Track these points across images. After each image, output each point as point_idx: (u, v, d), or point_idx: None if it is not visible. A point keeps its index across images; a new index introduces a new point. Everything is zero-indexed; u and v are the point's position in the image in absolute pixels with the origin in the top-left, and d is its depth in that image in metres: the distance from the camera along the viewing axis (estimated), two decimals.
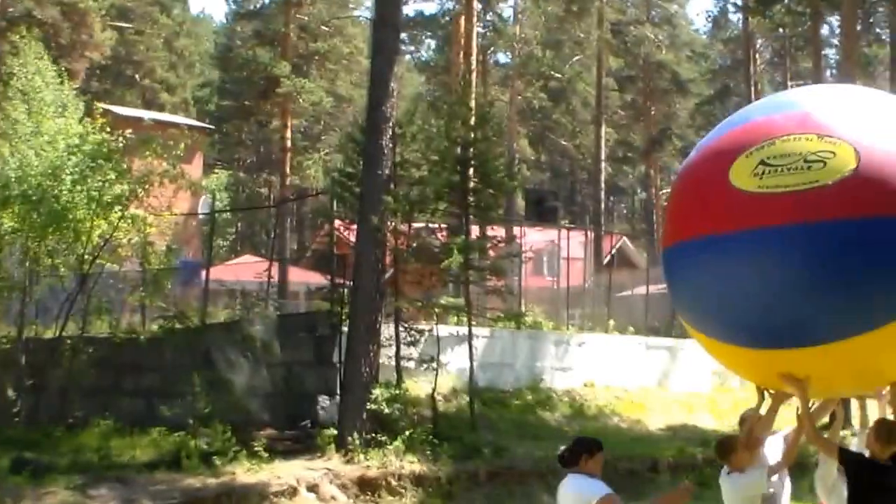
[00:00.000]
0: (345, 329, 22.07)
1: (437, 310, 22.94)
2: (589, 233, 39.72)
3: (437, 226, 24.09)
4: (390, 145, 22.05)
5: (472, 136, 23.28)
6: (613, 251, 48.20)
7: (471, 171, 23.33)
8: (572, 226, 40.01)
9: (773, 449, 8.93)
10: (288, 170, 45.03)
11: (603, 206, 49.96)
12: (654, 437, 25.06)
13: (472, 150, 23.25)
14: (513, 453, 22.14)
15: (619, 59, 54.54)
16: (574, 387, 26.79)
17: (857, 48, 29.81)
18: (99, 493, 18.00)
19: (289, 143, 45.50)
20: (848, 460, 8.08)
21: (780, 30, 43.36)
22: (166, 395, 22.61)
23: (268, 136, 54.56)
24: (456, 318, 24.45)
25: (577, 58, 49.90)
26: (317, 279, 41.78)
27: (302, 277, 40.15)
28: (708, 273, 7.30)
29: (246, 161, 65.91)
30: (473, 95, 25.01)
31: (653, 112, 61.96)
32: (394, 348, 22.52)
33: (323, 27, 48.75)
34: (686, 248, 7.48)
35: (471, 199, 23.24)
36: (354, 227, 23.00)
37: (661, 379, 28.78)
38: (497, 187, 23.59)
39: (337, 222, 25.00)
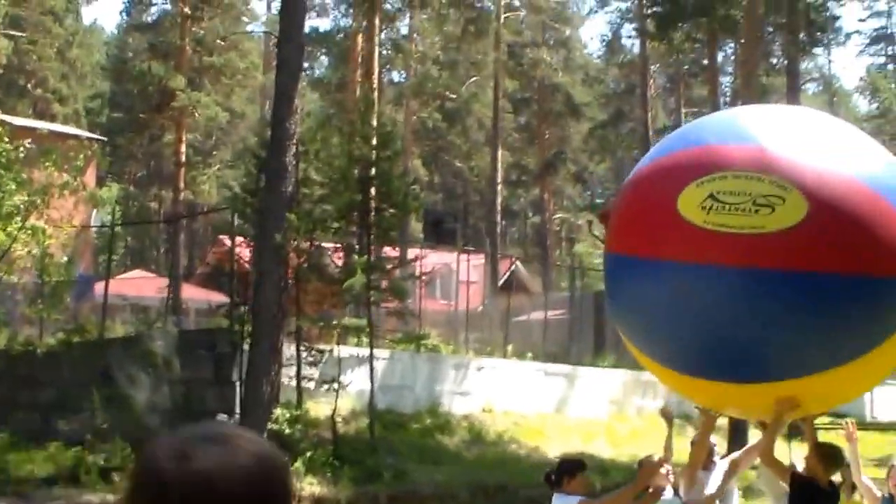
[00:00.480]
0: (245, 347, 21.71)
1: (338, 330, 22.61)
2: (485, 256, 39.71)
3: (337, 245, 23.81)
4: (293, 162, 21.77)
5: (375, 155, 23.07)
6: (507, 275, 48.26)
7: (372, 190, 23.09)
8: (471, 249, 39.88)
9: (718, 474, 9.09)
10: (182, 184, 44.40)
11: (498, 229, 50.10)
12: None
13: (374, 169, 23.02)
14: (413, 478, 21.91)
15: (514, 81, 54.73)
16: (473, 411, 26.61)
17: (755, 76, 30.20)
18: None
19: (183, 158, 44.87)
20: (799, 483, 8.18)
21: (677, 56, 43.74)
22: (63, 409, 22.08)
23: (159, 150, 53.74)
24: (356, 339, 24.17)
25: (473, 79, 49.95)
26: (210, 296, 41.38)
27: (194, 294, 39.56)
28: (644, 294, 7.35)
29: (136, 175, 64.93)
30: (375, 114, 24.73)
31: (546, 135, 62.32)
32: (294, 368, 22.14)
33: (219, 41, 48.21)
34: (629, 262, 7.48)
35: (372, 218, 22.99)
36: (252, 244, 22.70)
37: (559, 405, 28.73)
38: (398, 207, 23.38)
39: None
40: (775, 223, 6.62)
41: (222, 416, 21.94)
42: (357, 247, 23.00)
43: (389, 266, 23.26)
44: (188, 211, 47.00)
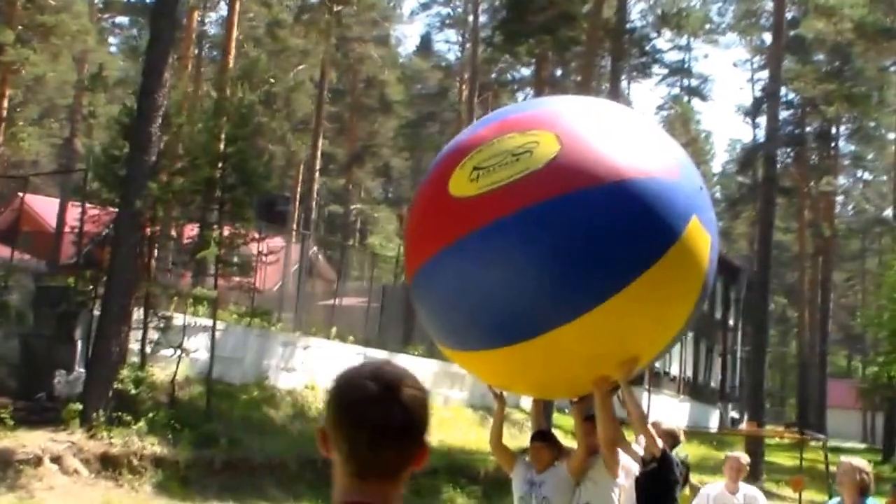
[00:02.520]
0: (89, 308, 22.41)
1: (189, 300, 23.43)
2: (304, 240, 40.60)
3: (189, 218, 24.59)
4: (159, 133, 22.49)
5: (234, 133, 23.96)
6: (314, 259, 49.19)
7: (228, 168, 23.95)
8: (306, 231, 40.74)
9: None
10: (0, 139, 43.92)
11: (315, 215, 51.05)
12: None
13: (231, 147, 23.91)
14: (246, 445, 22.92)
15: (335, 73, 55.72)
16: (297, 387, 27.70)
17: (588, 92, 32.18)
18: None
19: (4, 113, 44.36)
20: (667, 456, 8.50)
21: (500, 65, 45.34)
22: None
23: None
24: (193, 308, 24.86)
25: (300, 67, 50.71)
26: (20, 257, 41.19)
27: None
28: (444, 287, 7.23)
29: None
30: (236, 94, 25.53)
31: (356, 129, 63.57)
32: (138, 332, 22.87)
33: (50, 1, 47.75)
34: (423, 271, 7.36)
35: (225, 195, 23.86)
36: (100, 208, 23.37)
37: None
38: (252, 186, 24.32)
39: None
40: (536, 161, 6.77)
41: (60, 372, 22.63)
42: (209, 222, 23.81)
43: (240, 242, 24.10)
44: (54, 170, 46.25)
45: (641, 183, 6.68)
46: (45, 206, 51.35)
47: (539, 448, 8.47)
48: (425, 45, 74.90)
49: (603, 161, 6.73)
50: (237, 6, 36.81)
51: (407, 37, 71.48)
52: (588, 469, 8.40)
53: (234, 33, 37.20)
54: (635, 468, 8.46)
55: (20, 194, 53.55)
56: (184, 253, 24.68)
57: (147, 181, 22.07)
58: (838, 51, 52.62)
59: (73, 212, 50.57)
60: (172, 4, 23.42)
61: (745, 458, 11.86)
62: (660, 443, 8.37)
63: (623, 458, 8.40)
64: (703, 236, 6.95)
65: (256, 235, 24.93)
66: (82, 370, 22.65)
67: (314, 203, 50.39)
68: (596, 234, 6.57)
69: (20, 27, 44.53)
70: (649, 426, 8.35)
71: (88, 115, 55.18)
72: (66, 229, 47.71)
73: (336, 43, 51.69)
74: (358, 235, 76.14)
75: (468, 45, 68.80)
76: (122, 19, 65.39)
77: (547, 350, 6.83)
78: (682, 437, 9.66)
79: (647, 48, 40.14)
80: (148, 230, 22.96)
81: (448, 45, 78.25)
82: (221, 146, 24.12)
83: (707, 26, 52.78)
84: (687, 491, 17.79)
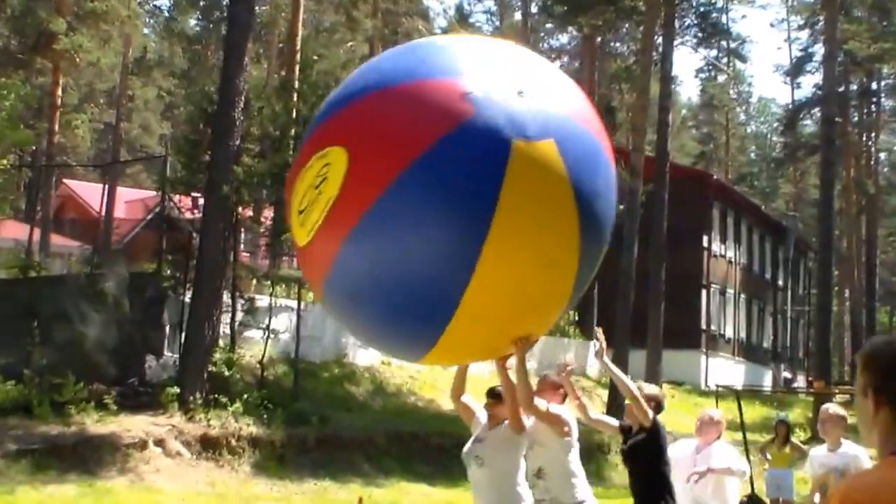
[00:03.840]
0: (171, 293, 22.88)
1: (280, 283, 23.83)
2: None
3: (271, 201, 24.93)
4: (241, 118, 22.80)
5: (311, 114, 24.20)
6: None
7: None
8: None
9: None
10: (56, 128, 44.35)
11: None
12: (451, 417, 26.60)
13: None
14: (335, 423, 23.32)
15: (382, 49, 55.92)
16: (374, 363, 28.07)
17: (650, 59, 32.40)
18: None
19: (59, 101, 44.80)
20: (656, 426, 8.58)
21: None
22: None
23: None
24: (275, 289, 25.20)
25: (350, 43, 50.97)
26: (61, 241, 41.93)
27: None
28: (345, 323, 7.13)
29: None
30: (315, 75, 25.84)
31: None
32: (226, 315, 23.26)
33: None
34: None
35: None
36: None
37: None
38: None
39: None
40: (333, 187, 6.21)
41: (150, 357, 23.07)
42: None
43: None
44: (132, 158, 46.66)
45: (440, 147, 6.00)
46: (88, 192, 51.96)
47: (490, 405, 8.23)
48: (462, 17, 74.91)
49: (390, 152, 6.07)
50: None
51: (445, 8, 70.99)
52: (534, 433, 8.28)
53: (301, 14, 37.38)
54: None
55: (64, 181, 54.41)
56: (266, 235, 24.98)
57: (232, 165, 22.39)
58: (878, 7, 52.51)
59: (123, 197, 51.18)
60: None
61: (717, 414, 10.90)
62: (650, 413, 8.38)
63: (565, 413, 8.55)
64: (540, 148, 6.14)
65: None
66: (171, 354, 23.09)
67: None
68: (423, 221, 6.02)
69: (70, 15, 44.88)
70: (637, 394, 8.39)
71: (129, 98, 55.69)
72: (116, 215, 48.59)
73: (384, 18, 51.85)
74: None
75: (509, 15, 69.32)
76: (160, 1, 65.68)
77: (465, 321, 6.28)
78: (664, 403, 9.20)
79: (701, 12, 40.15)
80: (241, 213, 23.34)
81: (487, 15, 77.52)
82: (298, 128, 24.32)
83: None
84: (787, 450, 18.12)
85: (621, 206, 35.41)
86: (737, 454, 10.89)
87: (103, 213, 44.46)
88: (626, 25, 41.28)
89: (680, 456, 10.11)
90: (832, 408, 11.03)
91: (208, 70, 56.51)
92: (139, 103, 68.68)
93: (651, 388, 9.32)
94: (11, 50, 46.70)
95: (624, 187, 34.79)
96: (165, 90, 67.64)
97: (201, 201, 23.78)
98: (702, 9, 40.61)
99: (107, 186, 28.94)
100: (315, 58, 28.06)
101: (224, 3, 51.22)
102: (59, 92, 44.81)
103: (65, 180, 55.46)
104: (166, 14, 61.45)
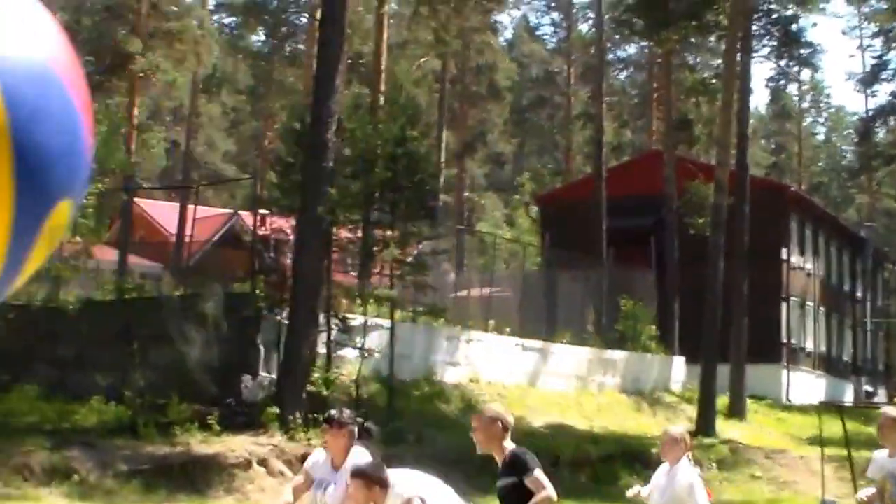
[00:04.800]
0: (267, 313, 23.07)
1: (370, 301, 23.94)
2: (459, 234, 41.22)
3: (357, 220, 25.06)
4: (334, 139, 22.96)
5: (404, 134, 24.37)
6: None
7: (400, 169, 24.37)
8: (461, 227, 41.16)
9: None
10: (133, 147, 44.86)
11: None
12: (541, 434, 26.62)
13: (401, 149, 24.32)
14: (430, 441, 23.37)
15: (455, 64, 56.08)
16: (462, 381, 28.12)
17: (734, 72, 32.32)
18: (73, 454, 18.50)
19: (136, 122, 45.34)
20: None
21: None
22: (82, 364, 23.13)
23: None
24: (366, 308, 25.32)
25: (423, 59, 51.16)
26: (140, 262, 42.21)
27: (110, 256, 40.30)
28: None
29: None
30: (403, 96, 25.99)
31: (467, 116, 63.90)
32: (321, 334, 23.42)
33: (173, 7, 48.66)
34: None
35: (398, 195, 24.31)
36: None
37: (532, 378, 30.38)
38: (423, 186, 24.75)
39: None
40: None
41: (246, 377, 23.26)
42: (384, 223, 24.29)
43: (414, 241, 24.57)
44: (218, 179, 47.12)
45: None
46: (156, 211, 52.38)
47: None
48: (529, 29, 74.97)
49: None
50: (385, 7, 37.12)
51: (513, 21, 71.24)
52: None
53: (385, 35, 37.56)
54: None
55: (135, 201, 54.81)
56: (359, 254, 25.15)
57: (326, 187, 22.55)
58: None
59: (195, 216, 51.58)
60: (341, 10, 23.73)
61: (677, 431, 10.38)
62: None
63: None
64: None
65: (428, 234, 25.35)
66: (266, 374, 23.27)
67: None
68: None
69: (145, 35, 45.36)
70: None
71: (193, 115, 56.12)
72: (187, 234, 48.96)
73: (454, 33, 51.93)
74: (465, 223, 76.68)
75: (575, 28, 69.18)
76: (228, 19, 65.98)
77: None
78: None
79: (779, 23, 39.97)
80: (336, 234, 23.54)
81: (554, 28, 77.38)
82: (389, 148, 24.45)
83: None
84: None
85: (702, 220, 35.54)
86: (698, 476, 10.25)
87: (178, 232, 44.95)
88: (706, 39, 41.06)
89: (657, 483, 10.00)
90: (891, 411, 10.76)
91: (276, 87, 57.04)
92: (204, 119, 69.29)
93: None
94: (87, 72, 47.30)
95: (707, 202, 34.72)
96: (230, 107, 68.33)
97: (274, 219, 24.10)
98: (780, 21, 40.36)
99: (194, 207, 29.03)
100: (402, 83, 28.13)
101: (288, 17, 51.92)
102: (136, 112, 45.33)
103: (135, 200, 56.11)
104: (233, 31, 62.11)
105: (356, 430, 8.08)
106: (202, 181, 45.26)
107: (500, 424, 8.19)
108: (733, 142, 33.48)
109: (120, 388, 21.87)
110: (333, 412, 8.01)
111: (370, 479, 7.23)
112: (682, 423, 32.37)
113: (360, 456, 8.02)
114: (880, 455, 10.76)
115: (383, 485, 7.24)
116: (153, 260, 41.39)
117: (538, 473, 7.69)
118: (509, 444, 8.00)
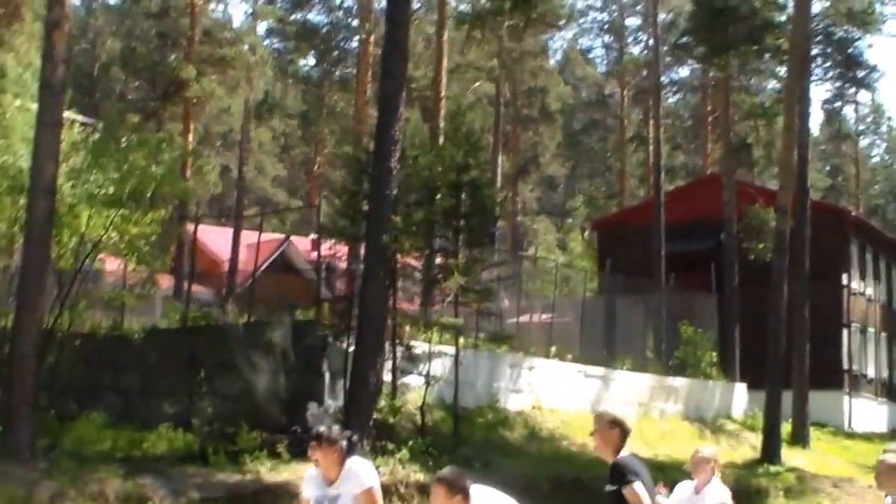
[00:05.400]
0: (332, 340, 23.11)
1: (434, 328, 23.88)
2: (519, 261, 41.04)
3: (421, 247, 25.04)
4: (397, 167, 22.93)
5: (467, 162, 24.32)
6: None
7: (463, 196, 24.32)
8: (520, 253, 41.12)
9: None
10: (188, 174, 45.09)
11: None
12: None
13: (465, 176, 24.27)
14: (498, 468, 23.19)
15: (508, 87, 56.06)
16: (525, 408, 27.97)
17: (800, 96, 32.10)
18: (146, 482, 18.51)
19: (190, 148, 45.59)
20: None
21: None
22: (148, 392, 23.27)
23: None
24: (430, 335, 25.24)
25: (477, 84, 51.26)
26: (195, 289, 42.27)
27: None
28: None
29: None
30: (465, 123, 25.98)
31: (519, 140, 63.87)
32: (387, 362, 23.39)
33: (225, 34, 49.03)
34: None
35: (463, 223, 24.26)
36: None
37: (594, 405, 30.13)
38: (487, 213, 24.69)
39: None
40: None
41: (312, 404, 23.21)
42: (449, 250, 24.25)
43: (479, 268, 24.48)
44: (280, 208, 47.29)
45: None
46: (206, 236, 52.55)
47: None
48: (581, 52, 74.93)
49: None
50: (445, 34, 37.15)
51: (564, 44, 71.12)
52: None
53: (445, 62, 37.56)
54: None
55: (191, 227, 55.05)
56: (425, 282, 25.08)
57: (390, 214, 22.52)
58: None
59: (243, 240, 51.86)
60: (403, 39, 23.77)
61: (708, 451, 11.06)
62: None
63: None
64: None
65: (492, 260, 25.27)
66: (331, 402, 23.22)
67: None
68: None
69: (198, 62, 45.68)
70: None
71: (245, 140, 56.36)
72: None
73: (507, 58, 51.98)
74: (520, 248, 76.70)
75: (627, 51, 68.95)
76: (279, 44, 66.27)
77: None
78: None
79: (839, 45, 39.78)
80: (401, 262, 23.52)
81: (605, 50, 77.12)
82: (452, 175, 24.41)
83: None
84: None
85: (762, 245, 35.25)
86: (729, 495, 10.73)
87: (231, 258, 45.17)
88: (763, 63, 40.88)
89: (680, 499, 10.35)
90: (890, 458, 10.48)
91: (326, 111, 57.16)
92: (254, 144, 69.68)
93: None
94: (143, 99, 47.75)
95: (767, 226, 34.49)
96: (280, 132, 68.63)
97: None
98: (838, 42, 40.14)
99: (259, 234, 29.02)
100: (464, 112, 28.08)
101: (338, 42, 52.13)
102: (190, 138, 45.63)
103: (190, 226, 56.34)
104: (282, 55, 62.33)
105: (345, 443, 8.05)
106: (263, 209, 45.29)
107: (618, 430, 8.49)
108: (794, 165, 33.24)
109: (187, 416, 21.98)
110: (322, 429, 8.04)
111: (454, 486, 7.16)
112: (745, 450, 32.16)
113: (358, 463, 8.06)
114: None
115: (466, 494, 7.12)
116: (203, 286, 41.59)
117: (637, 486, 7.92)
118: (624, 452, 8.34)
